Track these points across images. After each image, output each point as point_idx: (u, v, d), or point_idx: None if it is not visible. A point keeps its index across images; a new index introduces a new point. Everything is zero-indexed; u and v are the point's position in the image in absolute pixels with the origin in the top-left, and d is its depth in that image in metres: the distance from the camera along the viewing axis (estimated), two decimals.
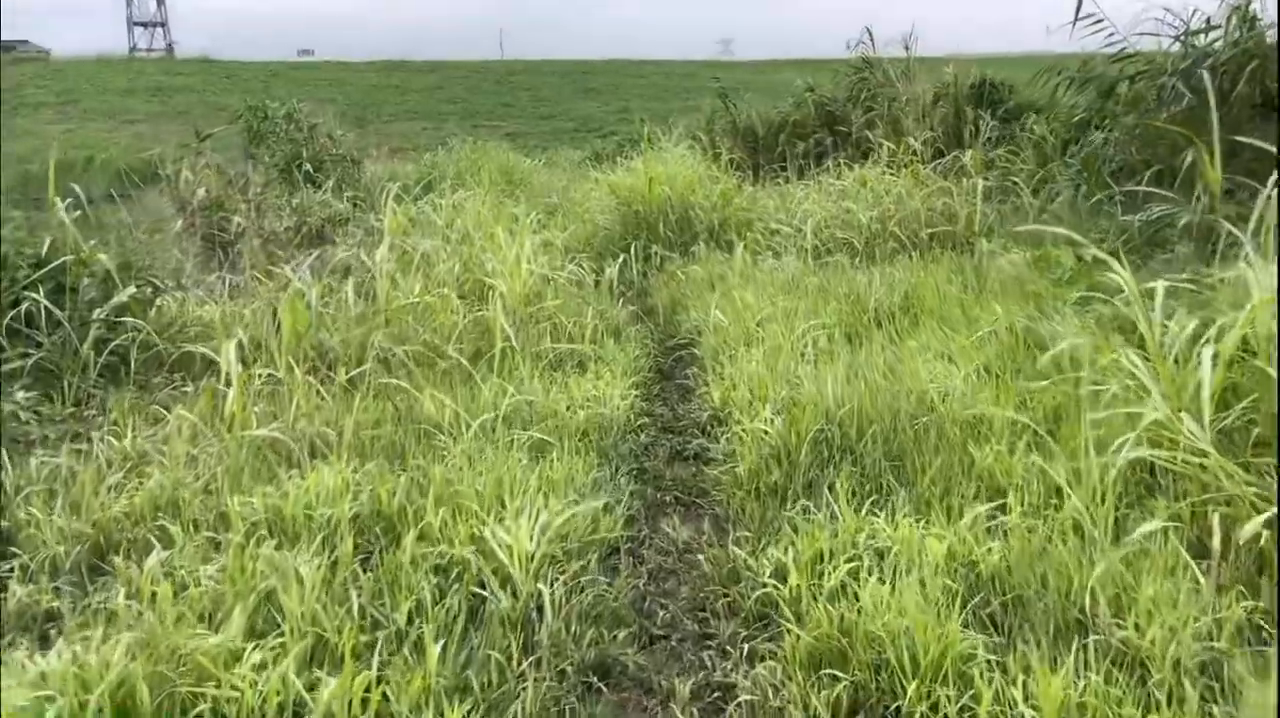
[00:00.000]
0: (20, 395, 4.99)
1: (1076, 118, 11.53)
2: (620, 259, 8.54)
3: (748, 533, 4.07)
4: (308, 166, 14.15)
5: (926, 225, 9.11)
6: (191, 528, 3.96)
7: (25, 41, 50.16)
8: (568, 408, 5.59)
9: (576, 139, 36.22)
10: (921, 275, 7.47)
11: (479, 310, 6.99)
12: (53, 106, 39.15)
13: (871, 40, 17.92)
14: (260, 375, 5.17)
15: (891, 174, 10.27)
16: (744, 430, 4.95)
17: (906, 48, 17.38)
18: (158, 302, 7.08)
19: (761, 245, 9.31)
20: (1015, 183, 9.49)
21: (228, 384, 4.97)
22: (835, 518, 3.91)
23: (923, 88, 15.90)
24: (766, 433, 4.76)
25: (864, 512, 3.92)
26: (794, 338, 6.12)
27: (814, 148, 16.10)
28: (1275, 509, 3.28)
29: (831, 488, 4.15)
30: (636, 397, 6.02)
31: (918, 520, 3.79)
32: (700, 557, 4.06)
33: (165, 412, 5.29)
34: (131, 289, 6.67)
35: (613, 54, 51.34)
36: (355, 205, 12.12)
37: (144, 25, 56.91)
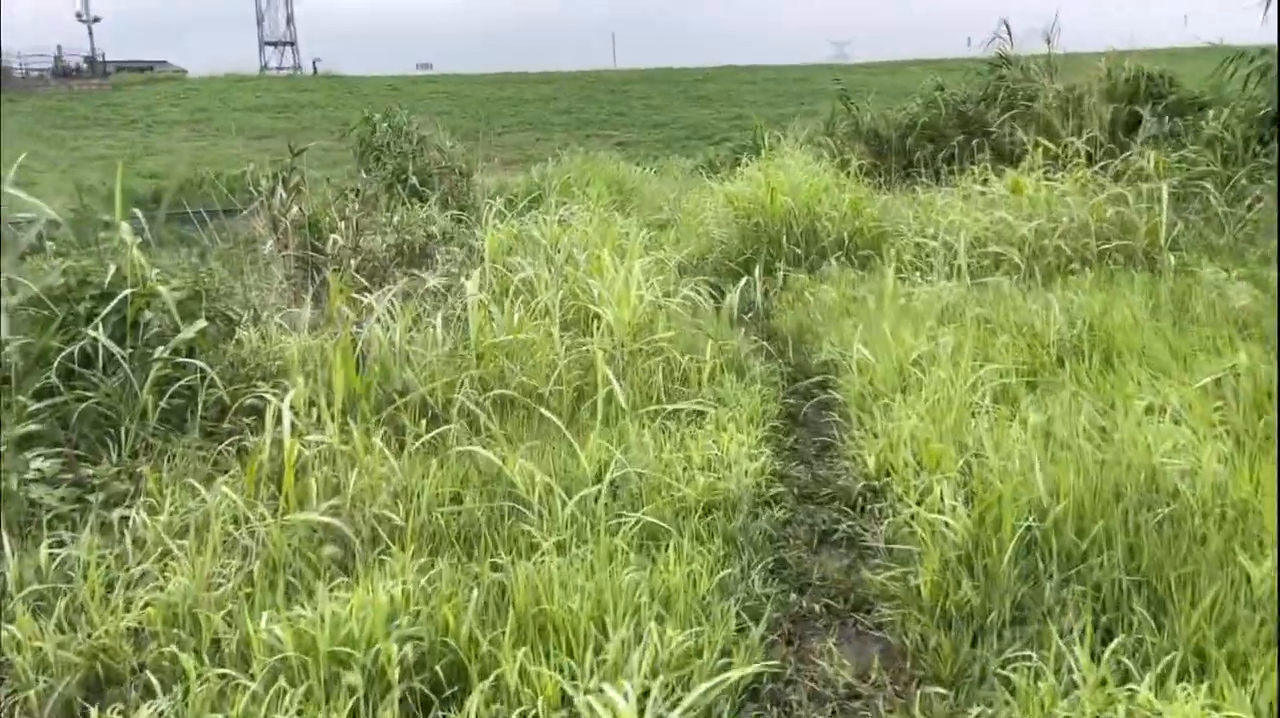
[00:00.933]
0: (40, 464, 4.16)
1: (1262, 111, 9.93)
2: (742, 282, 7.42)
3: (940, 688, 2.91)
4: (414, 180, 13.46)
5: (1098, 238, 7.72)
6: (208, 657, 3.03)
7: (163, 62, 51.85)
8: (684, 471, 4.52)
9: (689, 147, 35.21)
10: (1104, 300, 6.14)
11: (583, 345, 5.99)
12: (186, 124, 40.18)
13: (1009, 34, 16.35)
14: (316, 441, 4.24)
15: (1051, 179, 8.87)
16: (914, 518, 3.79)
17: (1048, 41, 15.77)
18: (236, 335, 6.29)
19: (904, 263, 8.06)
20: (1203, 187, 8.00)
21: (280, 447, 4.06)
22: (1068, 670, 2.73)
23: (1068, 84, 14.34)
24: (949, 525, 3.58)
25: (1111, 663, 2.72)
26: (961, 382, 4.90)
27: (947, 151, 14.67)
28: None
29: (1049, 613, 2.97)
30: (767, 454, 4.90)
31: (1197, 686, 2.58)
32: None
33: (217, 474, 4.44)
34: (201, 323, 5.88)
35: (726, 60, 50.14)
36: (460, 221, 11.31)
37: (274, 44, 58.31)
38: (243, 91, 45.07)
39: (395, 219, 10.29)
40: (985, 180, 9.96)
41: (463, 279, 7.03)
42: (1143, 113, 12.39)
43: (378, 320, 5.62)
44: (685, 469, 4.56)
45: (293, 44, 58.08)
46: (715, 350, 6.18)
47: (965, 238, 7.50)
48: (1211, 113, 10.97)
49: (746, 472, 4.56)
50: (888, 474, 4.40)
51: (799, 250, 9.62)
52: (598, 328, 6.12)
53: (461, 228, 11.06)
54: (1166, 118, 12.13)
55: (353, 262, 9.03)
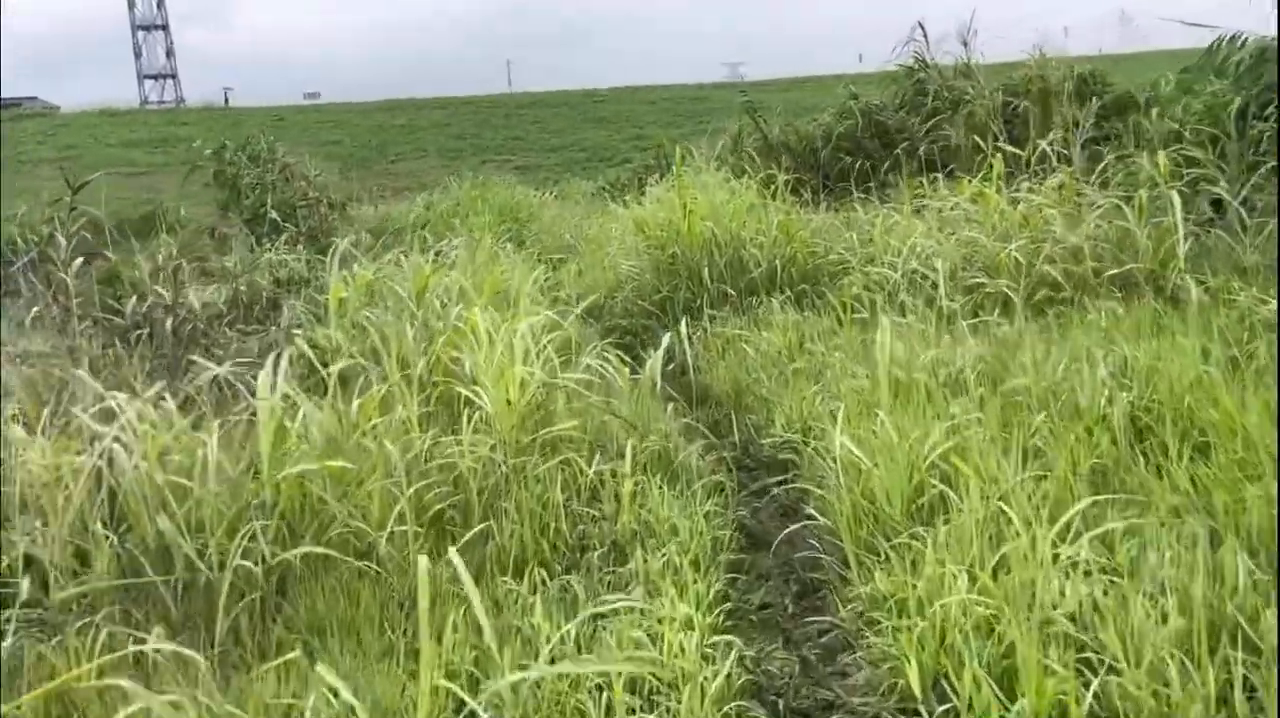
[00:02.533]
0: None
1: (1234, 104, 8.48)
2: (665, 340, 5.54)
3: None
4: (273, 214, 11.30)
5: (1093, 259, 6.09)
6: None
7: (33, 98, 47.92)
8: (599, 689, 2.64)
9: (589, 169, 33.42)
10: (1153, 350, 4.45)
11: (449, 448, 4.05)
12: (51, 162, 36.65)
13: (925, 37, 14.91)
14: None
15: (1019, 193, 7.24)
16: None
17: (965, 43, 14.38)
18: None
19: (856, 299, 6.30)
20: (1209, 192, 6.44)
21: None
22: None
23: (999, 85, 12.96)
24: None
25: None
26: (1018, 504, 3.10)
27: (868, 164, 13.12)
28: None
29: None
30: (727, 640, 3.02)
31: None
32: None
33: None
34: None
35: (618, 82, 48.63)
36: (315, 264, 9.22)
37: (154, 78, 54.60)
38: (117, 127, 41.66)
39: (231, 264, 8.18)
40: (934, 194, 8.33)
41: (302, 345, 5.03)
42: (1078, 115, 11.00)
43: (120, 434, 3.57)
44: (601, 687, 2.66)
45: (174, 77, 54.49)
46: (636, 444, 4.30)
47: (945, 267, 5.76)
48: (1155, 111, 9.57)
49: (703, 681, 2.68)
50: (943, 696, 2.56)
51: (724, 286, 7.82)
52: (469, 420, 4.18)
53: (319, 272, 8.99)
54: (1112, 120, 10.76)
55: (168, 323, 6.92)
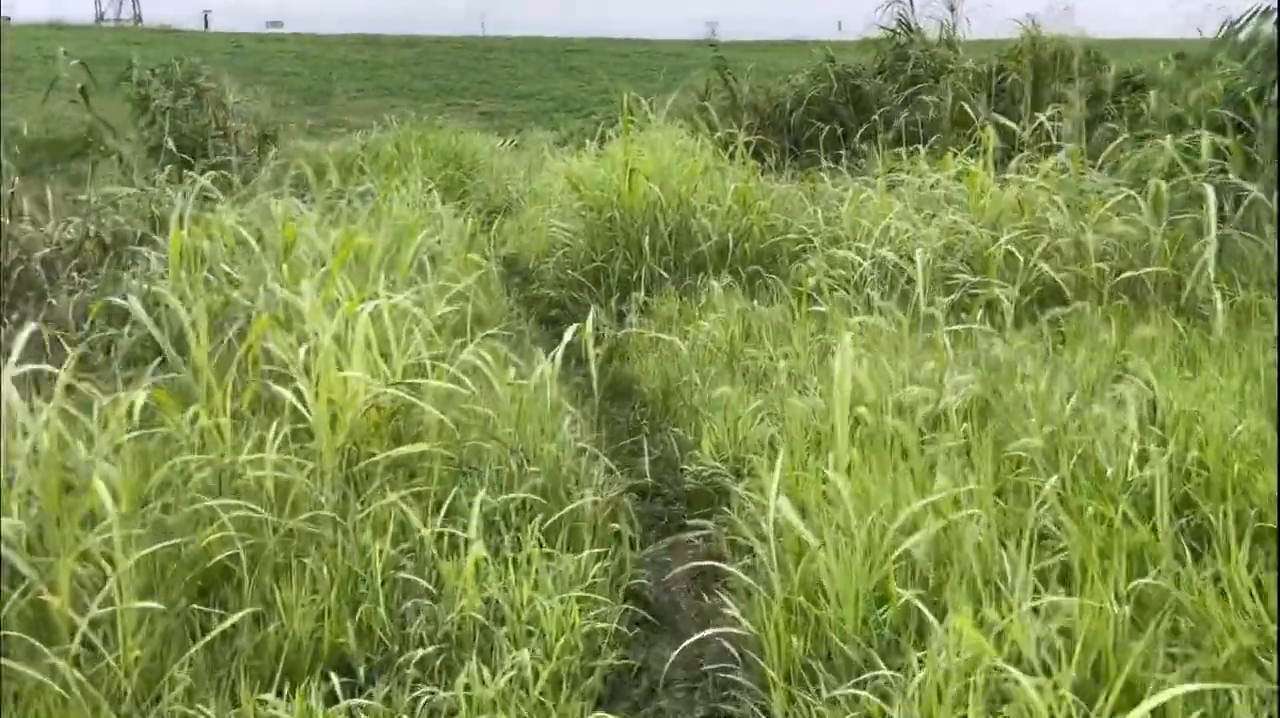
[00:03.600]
0: None
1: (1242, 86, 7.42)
2: (569, 331, 4.35)
3: None
4: (170, 144, 9.87)
5: (1098, 259, 5.01)
6: None
7: None
8: None
9: (556, 120, 31.88)
10: (1197, 387, 3.38)
11: (244, 471, 2.90)
12: None
13: (911, 2, 13.63)
14: None
15: (1024, 173, 6.13)
16: None
17: (952, 8, 13.20)
18: None
19: (816, 287, 5.18)
20: (1242, 189, 5.36)
21: None
22: None
23: (983, 57, 11.85)
24: None
25: None
26: (1031, 648, 2.03)
27: (840, 130, 11.96)
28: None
29: None
30: None
31: None
32: None
33: None
34: None
35: (595, 34, 46.80)
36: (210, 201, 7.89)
37: None
38: (64, 42, 39.22)
39: (89, 199, 6.86)
40: (913, 168, 7.20)
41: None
42: (1071, 94, 9.91)
43: None
44: None
45: None
46: (526, 448, 3.17)
47: (923, 258, 4.63)
48: (1156, 93, 8.50)
49: None
50: None
51: (668, 258, 6.67)
52: (276, 435, 3.02)
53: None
54: (1106, 101, 9.72)
55: None
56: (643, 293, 6.45)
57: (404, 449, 3.15)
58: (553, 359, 3.94)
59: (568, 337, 4.03)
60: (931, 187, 6.59)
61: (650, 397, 4.95)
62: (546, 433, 3.64)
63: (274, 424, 3.06)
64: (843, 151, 10.06)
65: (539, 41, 44.97)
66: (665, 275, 6.58)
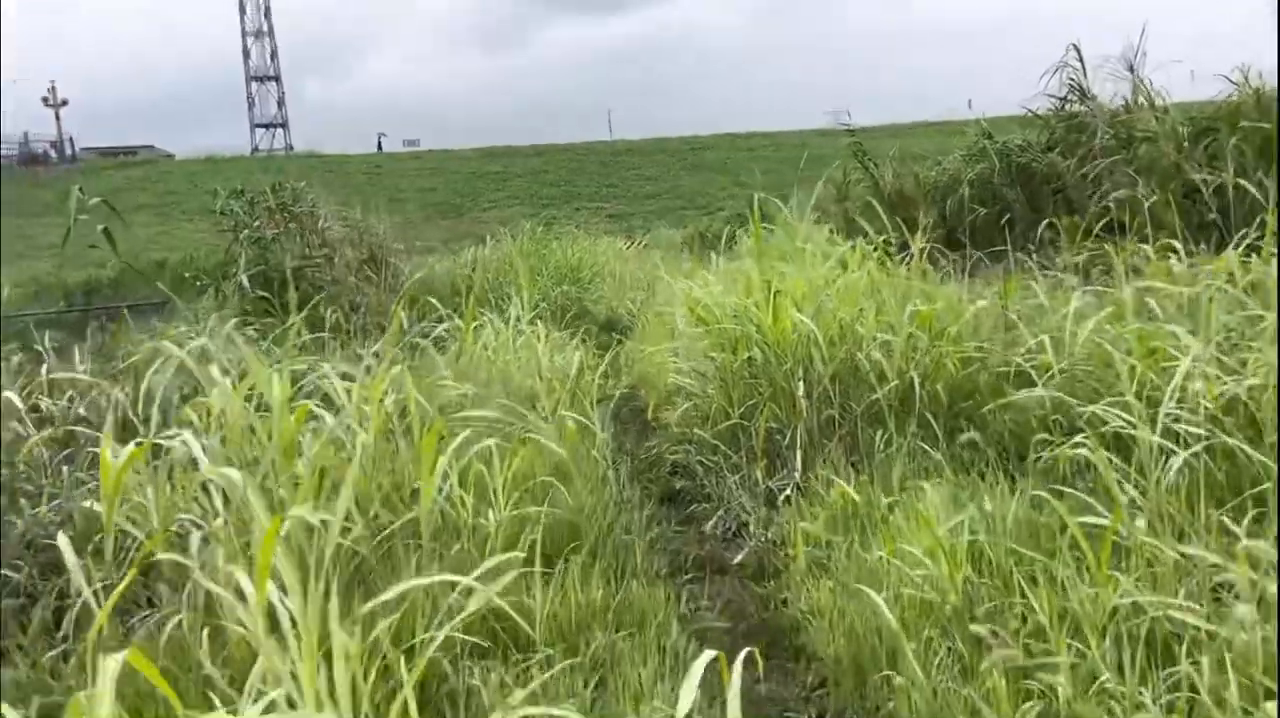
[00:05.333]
0: None
1: None
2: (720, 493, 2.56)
3: None
4: (244, 278, 8.68)
5: None
6: None
7: (149, 146, 48.08)
8: None
9: (685, 217, 30.73)
10: None
11: None
12: (152, 208, 35.97)
13: (1082, 63, 11.53)
14: None
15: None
16: None
17: (1132, 69, 10.99)
18: None
19: (1080, 461, 3.23)
20: None
21: None
22: None
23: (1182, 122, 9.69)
24: None
25: None
26: None
27: (1005, 216, 9.99)
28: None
29: None
30: None
31: None
32: None
33: None
34: None
35: (720, 129, 45.97)
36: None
37: (265, 126, 54.55)
38: (217, 174, 41.05)
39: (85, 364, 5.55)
40: (1155, 267, 5.19)
41: None
42: None
43: None
44: None
45: (284, 125, 54.27)
46: None
47: None
48: None
49: None
50: None
51: (830, 411, 4.84)
52: None
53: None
54: None
55: None
56: (799, 460, 4.65)
57: None
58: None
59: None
60: (1201, 292, 4.54)
61: (830, 668, 3.08)
62: None
63: None
64: (1028, 245, 8.03)
65: (664, 142, 44.41)
66: (829, 434, 4.75)
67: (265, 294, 8.27)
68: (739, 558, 4.16)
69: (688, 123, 48.81)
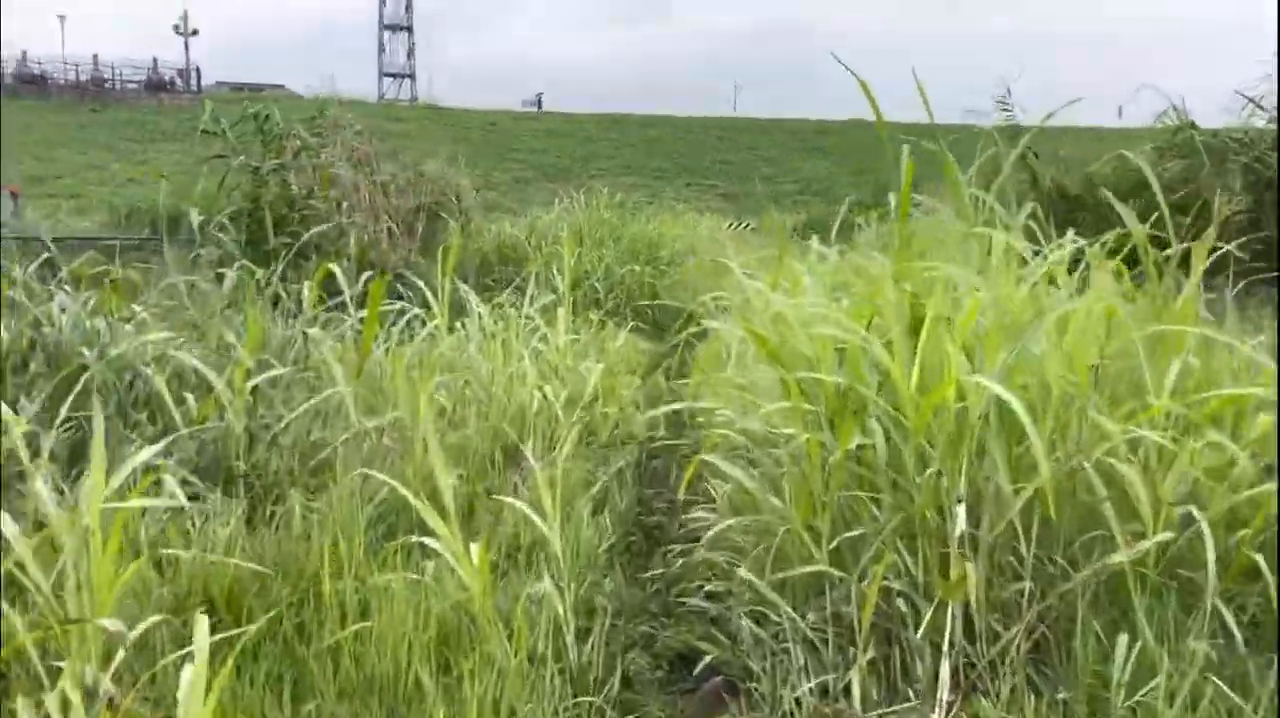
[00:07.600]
0: None
1: None
2: None
3: None
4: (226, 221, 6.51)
5: None
6: None
7: (280, 86, 47.52)
8: None
9: (800, 203, 27.86)
10: None
11: None
12: None
13: None
14: None
15: None
16: None
17: None
18: None
19: None
20: None
21: None
22: None
23: None
24: None
25: None
26: None
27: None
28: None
29: None
30: None
31: None
32: None
33: None
34: None
35: (851, 114, 42.42)
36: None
37: (394, 76, 53.44)
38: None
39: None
40: None
41: None
42: None
43: None
44: None
45: (411, 76, 53.02)
46: None
47: None
48: None
49: None
50: None
51: (1023, 580, 2.30)
52: None
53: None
54: None
55: None
56: (946, 672, 2.14)
57: None
58: None
59: None
60: None
61: None
62: None
63: None
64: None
65: (792, 123, 41.16)
66: (1010, 618, 2.22)
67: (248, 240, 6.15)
68: None
69: (823, 106, 45.19)
